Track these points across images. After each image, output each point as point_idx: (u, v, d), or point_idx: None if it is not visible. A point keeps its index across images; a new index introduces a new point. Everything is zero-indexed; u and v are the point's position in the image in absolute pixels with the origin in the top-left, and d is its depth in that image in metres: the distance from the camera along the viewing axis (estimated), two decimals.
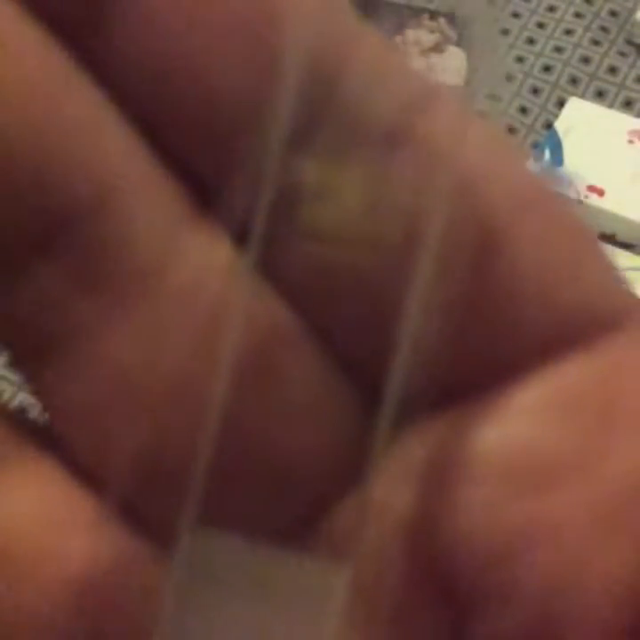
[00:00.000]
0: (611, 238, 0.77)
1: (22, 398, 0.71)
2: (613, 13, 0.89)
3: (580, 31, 0.89)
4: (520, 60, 0.88)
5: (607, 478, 0.12)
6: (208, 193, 0.12)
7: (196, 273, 0.12)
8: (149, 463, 0.12)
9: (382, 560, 0.12)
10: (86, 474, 0.12)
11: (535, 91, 0.86)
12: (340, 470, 0.12)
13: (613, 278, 0.12)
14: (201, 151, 0.12)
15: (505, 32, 0.89)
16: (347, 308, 0.12)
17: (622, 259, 0.74)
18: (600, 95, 0.85)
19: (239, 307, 0.12)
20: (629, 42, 0.88)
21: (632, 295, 0.12)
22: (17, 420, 0.12)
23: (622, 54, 0.87)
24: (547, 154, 0.80)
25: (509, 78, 0.86)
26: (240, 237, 0.12)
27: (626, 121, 0.82)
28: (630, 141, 0.81)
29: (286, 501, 0.12)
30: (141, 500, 0.12)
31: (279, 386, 0.12)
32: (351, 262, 0.12)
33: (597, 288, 0.12)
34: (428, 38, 0.88)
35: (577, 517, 0.12)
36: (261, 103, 0.11)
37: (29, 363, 0.12)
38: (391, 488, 0.12)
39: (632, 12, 0.88)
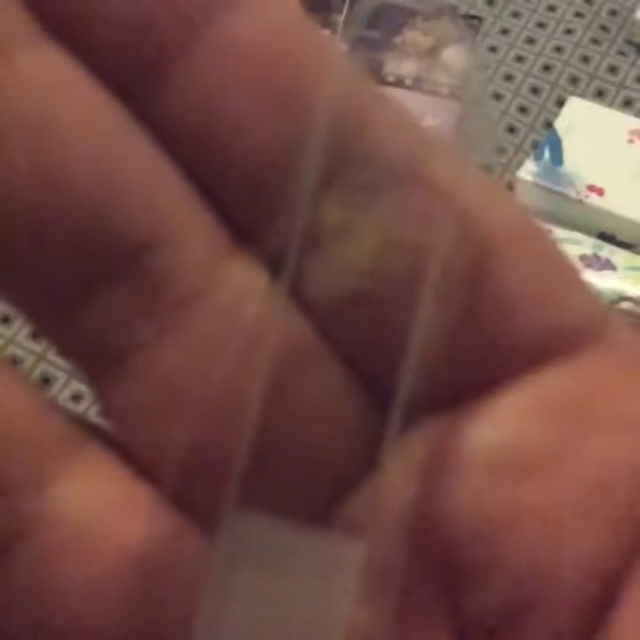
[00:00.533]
0: (610, 238, 0.77)
1: None
2: (613, 13, 0.90)
3: (579, 31, 0.89)
4: (520, 59, 0.88)
5: (581, 471, 0.13)
6: (247, 230, 0.14)
7: (236, 296, 0.14)
8: (196, 456, 0.13)
9: (390, 541, 0.14)
10: (142, 466, 0.14)
11: (535, 90, 0.86)
12: (353, 462, 0.14)
13: (591, 297, 0.14)
14: (240, 195, 0.14)
15: (505, 31, 0.89)
16: (362, 324, 0.14)
17: (622, 258, 0.74)
18: (600, 95, 0.86)
19: (273, 324, 0.14)
20: (629, 41, 0.88)
21: (607, 313, 0.14)
22: (78, 420, 0.14)
23: (622, 54, 0.87)
24: (546, 153, 0.80)
25: (509, 78, 0.86)
26: (274, 267, 0.14)
27: (626, 120, 0.82)
28: (630, 141, 0.81)
29: (308, 488, 0.14)
30: (189, 488, 0.14)
31: (303, 389, 0.14)
32: (366, 288, 0.13)
33: (577, 306, 0.14)
34: (427, 38, 0.88)
35: (554, 503, 0.13)
36: (291, 152, 0.13)
37: (93, 372, 0.14)
38: (398, 478, 0.14)
39: (632, 11, 0.88)
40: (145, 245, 0.13)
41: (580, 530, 0.13)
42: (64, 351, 0.14)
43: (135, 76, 0.13)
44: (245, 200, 0.14)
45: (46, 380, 0.71)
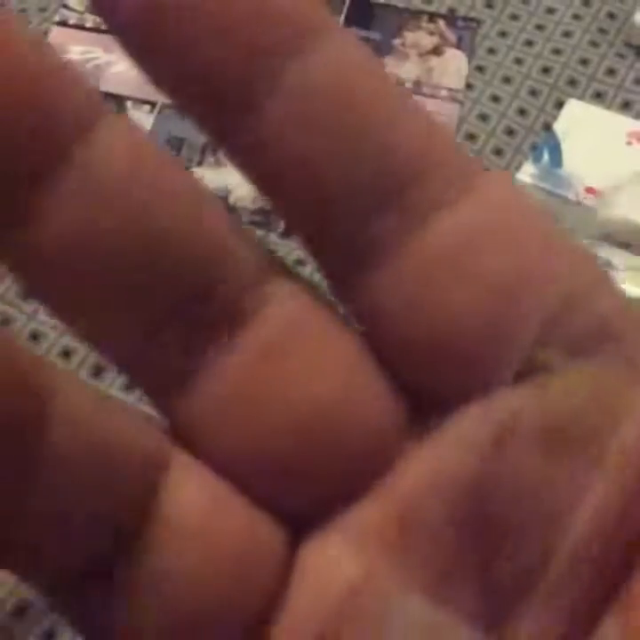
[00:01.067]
0: (610, 239, 0.77)
1: None
2: (611, 15, 0.90)
3: (578, 33, 0.89)
4: (518, 61, 0.88)
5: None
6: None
7: (283, 321, 0.15)
8: (273, 462, 0.15)
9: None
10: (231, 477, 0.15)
11: (534, 92, 0.86)
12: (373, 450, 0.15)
13: None
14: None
15: (503, 34, 0.89)
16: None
17: (622, 259, 0.74)
18: (598, 97, 0.86)
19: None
20: (628, 44, 0.88)
21: None
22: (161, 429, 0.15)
23: (621, 56, 0.88)
24: (545, 155, 0.80)
25: (508, 80, 0.87)
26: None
27: (624, 122, 0.82)
28: (629, 143, 0.81)
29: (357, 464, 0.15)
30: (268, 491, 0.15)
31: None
32: None
33: None
34: (427, 41, 0.88)
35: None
36: (359, 190, 0.14)
37: (162, 396, 0.15)
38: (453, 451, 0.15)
39: (630, 14, 0.89)
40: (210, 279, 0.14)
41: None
42: (133, 378, 0.15)
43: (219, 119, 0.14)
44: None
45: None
